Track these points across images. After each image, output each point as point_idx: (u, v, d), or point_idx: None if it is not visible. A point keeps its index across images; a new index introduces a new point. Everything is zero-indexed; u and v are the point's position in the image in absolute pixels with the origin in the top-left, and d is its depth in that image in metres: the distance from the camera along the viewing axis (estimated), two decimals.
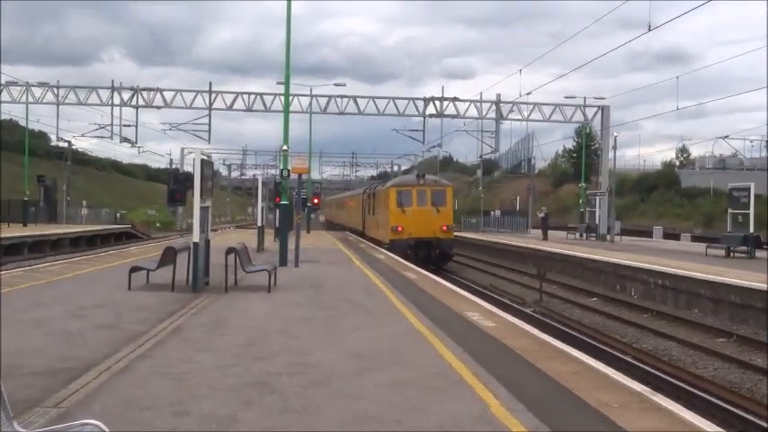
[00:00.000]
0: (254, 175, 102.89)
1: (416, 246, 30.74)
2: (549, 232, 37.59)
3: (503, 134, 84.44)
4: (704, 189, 55.33)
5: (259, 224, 23.21)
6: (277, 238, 28.37)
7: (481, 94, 45.08)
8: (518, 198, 60.18)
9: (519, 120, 44.36)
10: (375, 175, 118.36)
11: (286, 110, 18.86)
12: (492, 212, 57.12)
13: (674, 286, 16.25)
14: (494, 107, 41.97)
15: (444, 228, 31.17)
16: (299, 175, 20.05)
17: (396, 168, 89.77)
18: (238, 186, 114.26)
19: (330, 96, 43.18)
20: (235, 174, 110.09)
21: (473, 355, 7.14)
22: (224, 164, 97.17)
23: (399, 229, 31.33)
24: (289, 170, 18.36)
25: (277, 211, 29.66)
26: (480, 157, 72.18)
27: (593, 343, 12.31)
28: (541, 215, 38.01)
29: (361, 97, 42.92)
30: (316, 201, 43.03)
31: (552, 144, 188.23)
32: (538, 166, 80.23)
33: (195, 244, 11.90)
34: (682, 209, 54.44)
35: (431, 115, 43.63)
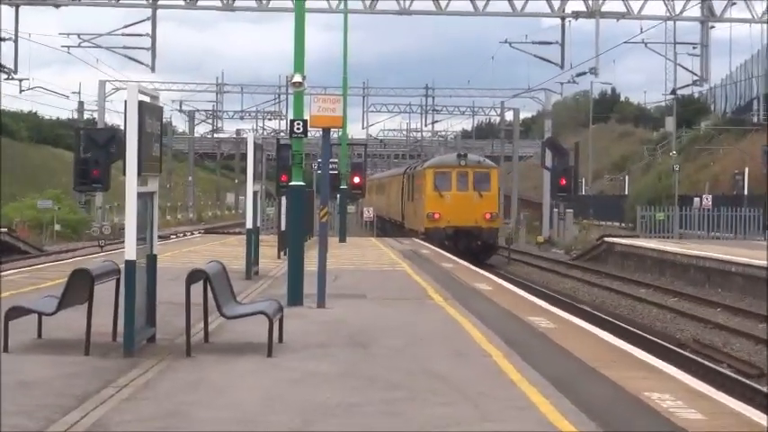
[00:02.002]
0: (238, 133, 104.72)
1: (455, 235, 45.53)
2: None
3: (716, 49, 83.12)
4: None
5: (249, 225, 23.57)
6: (284, 253, 28.86)
7: None
8: (746, 171, 59.18)
9: (747, 20, 43.05)
10: (469, 129, 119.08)
11: (299, 6, 18.94)
12: (699, 199, 56.00)
13: None
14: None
15: (488, 216, 46.13)
16: (326, 132, 20.11)
17: (506, 117, 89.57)
18: (209, 153, 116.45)
19: None
20: (203, 129, 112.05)
21: None
22: (181, 110, 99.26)
23: (436, 216, 46.23)
24: (305, 122, 18.44)
25: (283, 200, 30.08)
26: (673, 92, 71.55)
27: None
28: None
29: None
30: (357, 179, 43.83)
31: None
32: None
33: (130, 265, 12.07)
34: None
35: (576, 15, 43.25)
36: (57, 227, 51.75)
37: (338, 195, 43.82)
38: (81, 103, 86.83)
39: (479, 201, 46.61)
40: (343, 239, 42.70)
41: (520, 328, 16.01)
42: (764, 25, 45.71)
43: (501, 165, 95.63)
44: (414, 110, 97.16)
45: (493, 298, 20.82)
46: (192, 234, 57.04)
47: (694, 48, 47.00)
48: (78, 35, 54.10)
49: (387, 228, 62.05)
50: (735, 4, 40.65)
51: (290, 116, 19.27)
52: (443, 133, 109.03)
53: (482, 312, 17.78)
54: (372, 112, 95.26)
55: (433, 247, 41.16)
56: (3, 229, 43.52)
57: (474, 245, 45.51)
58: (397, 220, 57.64)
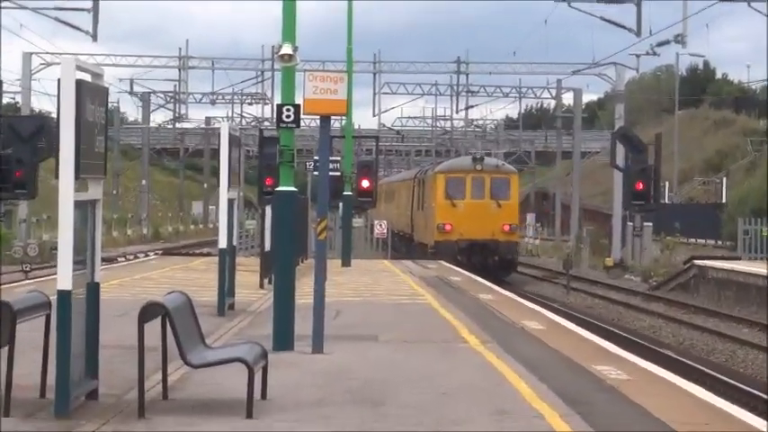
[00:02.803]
0: (208, 122, 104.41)
1: (469, 249, 51.24)
2: None
3: None
4: None
5: (222, 244, 23.58)
6: (268, 281, 28.71)
7: None
8: None
9: None
10: (515, 116, 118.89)
11: None
12: None
13: None
14: None
15: (506, 228, 51.83)
16: (325, 121, 20.13)
17: (563, 101, 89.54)
18: (170, 149, 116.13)
19: None
20: (162, 116, 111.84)
21: None
22: (132, 92, 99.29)
23: (448, 227, 51.81)
24: (297, 107, 18.49)
25: (268, 211, 30.04)
26: None
27: None
28: None
29: None
30: (366, 184, 43.92)
31: None
32: None
33: (64, 296, 12.07)
34: None
35: None
36: None
37: (341, 204, 43.81)
38: None
39: (497, 211, 52.10)
40: (347, 263, 42.71)
41: (582, 380, 16.00)
42: None
43: (558, 163, 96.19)
44: (442, 91, 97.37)
45: (546, 340, 20.82)
46: (147, 255, 57.05)
47: None
48: None
49: (396, 244, 62.51)
50: None
51: (278, 100, 19.32)
52: (480, 122, 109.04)
53: (532, 359, 17.79)
54: (387, 94, 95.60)
55: (466, 273, 41.22)
56: None
57: (490, 260, 50.71)
58: (406, 233, 61.85)
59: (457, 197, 52.62)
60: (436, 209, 52.83)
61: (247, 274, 32.14)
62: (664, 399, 14.57)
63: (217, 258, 24.90)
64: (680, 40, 52.84)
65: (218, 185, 23.95)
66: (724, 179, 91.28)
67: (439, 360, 17.62)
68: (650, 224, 58.24)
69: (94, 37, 51.64)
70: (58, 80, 11.95)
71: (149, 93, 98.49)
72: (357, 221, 54.14)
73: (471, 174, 52.85)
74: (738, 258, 49.78)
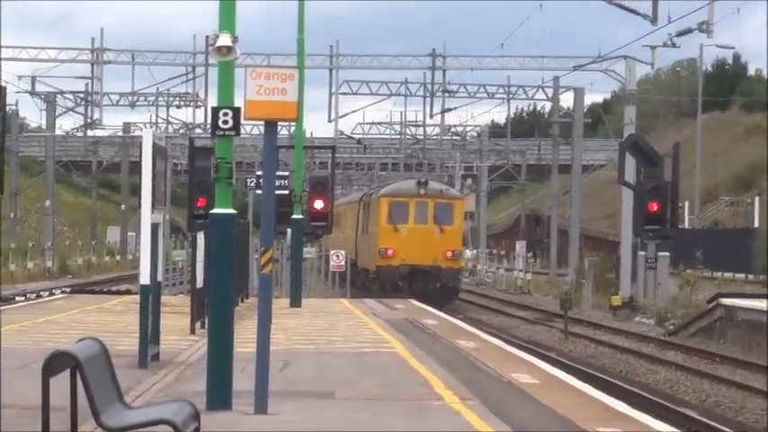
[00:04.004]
0: (127, 128, 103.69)
1: (410, 275, 59.65)
2: None
3: None
4: None
5: (145, 279, 23.54)
6: (201, 324, 28.54)
7: None
8: None
9: None
10: (502, 121, 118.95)
11: None
12: None
13: None
14: None
15: (449, 254, 60.44)
16: (271, 127, 20.19)
17: (561, 103, 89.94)
18: (80, 162, 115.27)
19: None
20: (69, 123, 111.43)
21: None
22: (34, 93, 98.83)
23: (390, 252, 60.01)
24: (236, 111, 18.55)
25: (199, 237, 29.90)
26: None
27: None
28: None
29: None
30: (320, 204, 44.07)
31: None
32: None
33: None
34: None
35: None
36: None
37: (289, 230, 43.81)
38: None
39: (441, 236, 60.70)
40: (296, 302, 42.64)
41: None
42: None
43: (554, 178, 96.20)
44: (413, 91, 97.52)
45: (539, 397, 20.87)
46: (53, 294, 56.96)
47: None
48: None
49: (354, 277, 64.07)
50: None
51: (213, 102, 19.37)
52: (460, 128, 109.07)
53: (522, 421, 17.86)
54: (346, 94, 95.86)
55: (444, 315, 41.30)
56: None
57: (432, 287, 58.60)
58: (351, 259, 65.82)
59: (400, 222, 60.58)
60: (379, 233, 60.90)
61: (175, 316, 32.11)
62: None
63: (138, 297, 24.82)
64: (705, 28, 53.07)
65: (140, 207, 23.86)
66: (756, 199, 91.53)
67: (409, 422, 17.64)
68: (667, 254, 58.32)
69: None
70: None
71: (55, 93, 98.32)
72: (309, 251, 54.20)
73: (415, 198, 61.21)
74: None
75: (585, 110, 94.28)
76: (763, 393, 32.44)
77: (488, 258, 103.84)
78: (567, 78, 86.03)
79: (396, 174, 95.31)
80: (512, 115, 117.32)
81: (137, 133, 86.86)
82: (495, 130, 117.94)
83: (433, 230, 60.47)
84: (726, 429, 26.33)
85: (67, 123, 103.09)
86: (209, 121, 18.59)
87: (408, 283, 58.68)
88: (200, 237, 29.55)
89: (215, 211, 19.16)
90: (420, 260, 59.41)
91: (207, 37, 19.15)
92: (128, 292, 51.23)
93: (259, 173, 21.66)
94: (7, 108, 14.14)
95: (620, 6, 51.46)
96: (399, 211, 61.00)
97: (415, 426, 17.32)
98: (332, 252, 60.26)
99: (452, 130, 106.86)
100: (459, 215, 63.45)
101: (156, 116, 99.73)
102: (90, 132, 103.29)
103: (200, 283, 29.99)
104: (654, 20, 49.79)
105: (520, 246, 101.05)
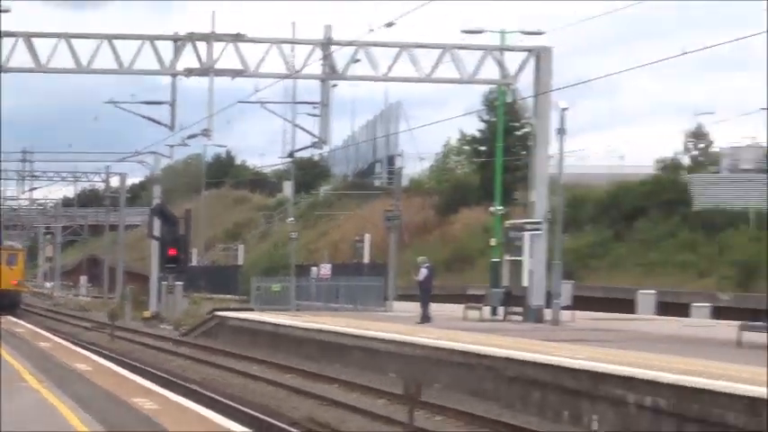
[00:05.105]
0: None
1: None
2: (434, 305, 39.92)
3: (338, 109, 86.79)
4: (738, 213, 55.62)
5: None
6: None
7: (294, 25, 43.53)
8: (366, 238, 61.57)
9: (370, 79, 43.78)
10: (79, 193, 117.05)
11: None
12: (316, 268, 58.38)
13: None
14: (319, 52, 41.44)
15: (14, 282, 66.40)
16: None
17: (111, 183, 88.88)
18: None
19: None
20: None
21: None
22: None
23: None
24: None
25: None
26: (290, 155, 73.12)
27: None
28: (420, 274, 38.67)
29: None
30: None
31: (437, 129, 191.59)
32: (409, 171, 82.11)
33: None
34: (695, 253, 54.95)
35: (188, 72, 43.35)
36: None
37: None
38: None
39: (9, 271, 66.13)
40: None
41: (123, 412, 16.10)
42: (386, 85, 47.59)
43: (106, 234, 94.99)
44: (9, 176, 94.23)
45: (94, 379, 20.78)
46: None
47: (315, 107, 46.86)
48: None
49: None
50: (358, 61, 41.47)
51: None
52: (43, 201, 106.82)
53: (83, 396, 17.72)
54: None
55: (29, 326, 40.34)
56: None
57: (6, 302, 61.26)
58: None
59: None
60: None
61: None
62: (189, 425, 14.99)
63: None
64: (206, 133, 53.30)
65: None
66: (241, 246, 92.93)
67: (4, 398, 17.14)
68: (181, 283, 58.63)
69: None
70: None
71: None
72: None
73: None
74: (251, 309, 50.69)
75: (128, 188, 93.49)
76: (242, 373, 32.78)
77: (62, 287, 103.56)
78: (116, 166, 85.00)
79: None
80: (78, 192, 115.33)
81: None
82: (68, 202, 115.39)
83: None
84: (214, 395, 26.13)
85: None
86: None
87: None
88: None
89: None
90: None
91: None
92: None
93: None
94: None
95: (150, 119, 51.11)
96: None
97: (9, 401, 16.90)
98: None
99: (38, 202, 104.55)
100: (22, 260, 70.35)
101: None
102: None
103: None
104: (172, 128, 49.61)
105: (83, 279, 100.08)
